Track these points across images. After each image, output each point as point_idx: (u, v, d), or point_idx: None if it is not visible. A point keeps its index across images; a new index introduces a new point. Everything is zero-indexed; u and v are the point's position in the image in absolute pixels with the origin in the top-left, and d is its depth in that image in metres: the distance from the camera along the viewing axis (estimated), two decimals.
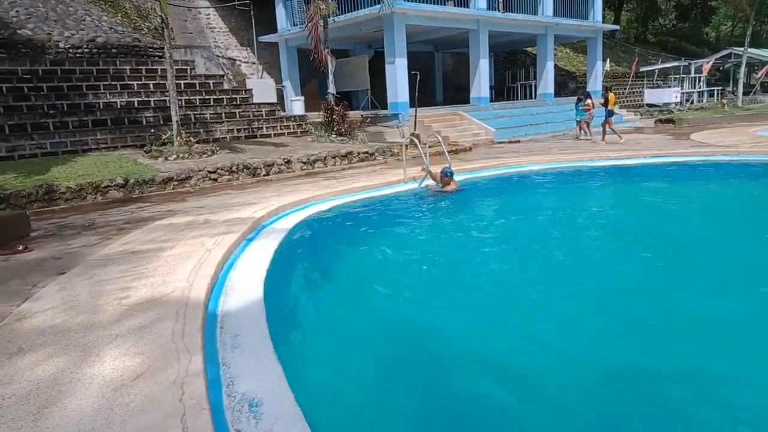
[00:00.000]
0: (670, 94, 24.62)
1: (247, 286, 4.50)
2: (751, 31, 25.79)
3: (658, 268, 5.30)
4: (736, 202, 7.96)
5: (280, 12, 20.19)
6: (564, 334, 3.91)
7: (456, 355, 3.67)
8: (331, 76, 14.14)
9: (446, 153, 9.90)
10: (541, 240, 6.48)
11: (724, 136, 13.31)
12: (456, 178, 8.81)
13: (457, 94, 24.47)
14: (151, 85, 13.80)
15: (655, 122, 19.79)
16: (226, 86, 16.40)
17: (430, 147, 10.69)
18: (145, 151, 11.35)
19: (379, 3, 15.57)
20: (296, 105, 16.31)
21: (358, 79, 20.12)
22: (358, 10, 16.78)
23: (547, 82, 21.61)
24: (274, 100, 17.00)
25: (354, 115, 15.71)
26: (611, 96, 14.82)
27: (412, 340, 3.96)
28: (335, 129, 14.17)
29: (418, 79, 14.46)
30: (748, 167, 9.75)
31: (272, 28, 20.84)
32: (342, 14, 16.66)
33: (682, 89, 25.68)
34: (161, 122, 12.70)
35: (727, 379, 3.21)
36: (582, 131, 15.78)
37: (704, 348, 3.59)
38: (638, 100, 27.30)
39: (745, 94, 26.81)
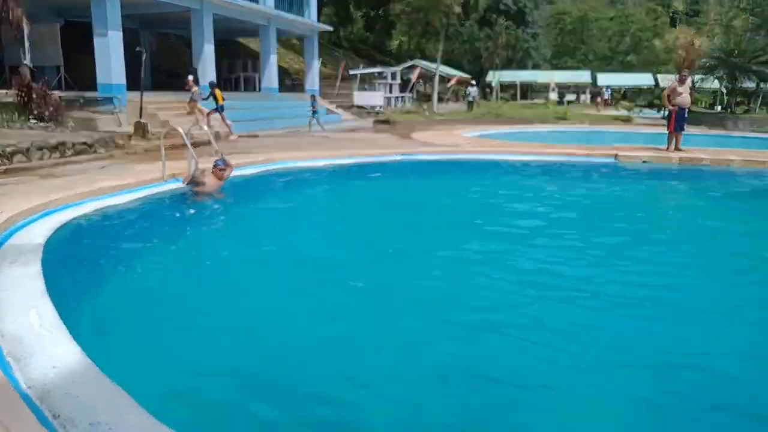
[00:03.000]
0: (376, 98, 27.46)
1: (42, 342, 2.94)
2: (442, 47, 30.86)
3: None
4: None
5: None
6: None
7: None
8: (27, 44, 10.89)
9: (190, 147, 7.82)
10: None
11: (440, 137, 15.37)
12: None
13: (169, 80, 22.15)
14: None
15: (374, 123, 21.77)
16: None
17: (165, 139, 9.13)
18: None
19: None
20: None
21: (46, 52, 16.13)
22: None
23: (271, 75, 21.42)
24: None
25: None
26: (218, 92, 14.69)
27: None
28: (35, 113, 11.04)
29: (144, 59, 12.40)
30: (486, 162, 11.46)
31: None
32: None
33: (384, 94, 28.92)
34: None
35: None
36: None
37: None
38: (347, 102, 29.59)
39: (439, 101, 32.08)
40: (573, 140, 16.21)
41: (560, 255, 5.63)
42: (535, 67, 52.64)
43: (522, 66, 50.76)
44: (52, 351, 2.84)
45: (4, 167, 8.85)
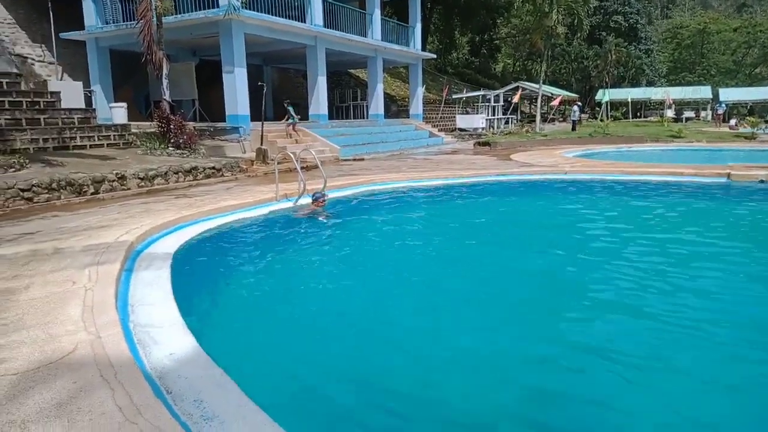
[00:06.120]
0: (478, 120, 27.56)
1: (164, 333, 3.55)
2: (545, 67, 30.43)
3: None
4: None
5: (89, 6, 17.51)
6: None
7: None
8: (165, 81, 12.59)
9: (300, 171, 8.82)
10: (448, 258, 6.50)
11: (540, 157, 15.20)
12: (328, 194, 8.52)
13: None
14: None
15: (474, 144, 21.90)
16: (23, 87, 13.53)
17: (279, 164, 10.05)
18: None
19: (216, 7, 14.46)
20: (118, 112, 14.16)
21: (183, 87, 18.37)
22: (192, 11, 15.35)
23: (378, 103, 22.41)
24: (83, 106, 14.57)
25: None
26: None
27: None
28: (172, 141, 12.64)
29: (264, 92, 13.71)
30: (583, 183, 11.19)
31: (73, 25, 17.96)
32: (172, 15, 15.05)
33: (486, 116, 28.96)
34: None
35: None
36: None
37: None
38: (450, 125, 30.00)
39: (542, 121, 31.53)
40: (685, 159, 15.09)
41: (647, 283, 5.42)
42: (650, 83, 49.65)
43: (635, 83, 48.15)
44: (171, 341, 3.41)
45: (146, 188, 10.30)
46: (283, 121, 17.27)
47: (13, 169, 9.14)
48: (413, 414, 3.16)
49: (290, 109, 16.78)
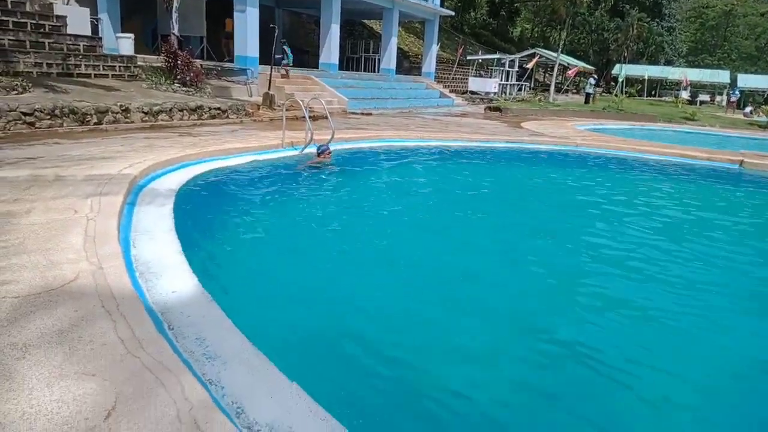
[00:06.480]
0: (491, 84, 27.01)
1: (166, 269, 3.51)
2: (566, 36, 29.60)
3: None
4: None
5: None
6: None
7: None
8: (175, 15, 12.18)
9: (308, 119, 8.59)
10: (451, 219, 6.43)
11: (551, 127, 14.96)
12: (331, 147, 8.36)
13: (298, 57, 23.45)
14: None
15: (485, 109, 21.53)
16: (28, 8, 13.08)
17: (287, 110, 9.84)
18: None
19: None
20: (124, 43, 13.72)
21: (192, 23, 17.82)
22: None
23: (390, 57, 21.89)
24: (90, 33, 14.14)
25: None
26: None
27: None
28: (178, 77, 12.35)
29: (276, 36, 13.31)
30: (594, 157, 11.04)
31: None
32: None
33: (500, 81, 28.36)
34: None
35: None
36: None
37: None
38: (461, 87, 29.41)
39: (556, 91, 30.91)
40: (697, 143, 14.89)
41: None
42: (668, 63, 48.59)
43: (653, 61, 47.09)
44: (173, 278, 3.38)
45: (150, 123, 10.12)
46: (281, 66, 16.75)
47: (16, 92, 8.92)
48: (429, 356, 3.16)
49: (286, 49, 16.38)
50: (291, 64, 16.72)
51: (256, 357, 2.56)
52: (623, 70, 36.03)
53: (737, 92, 37.31)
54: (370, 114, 16.09)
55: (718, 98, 43.34)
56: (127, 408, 1.89)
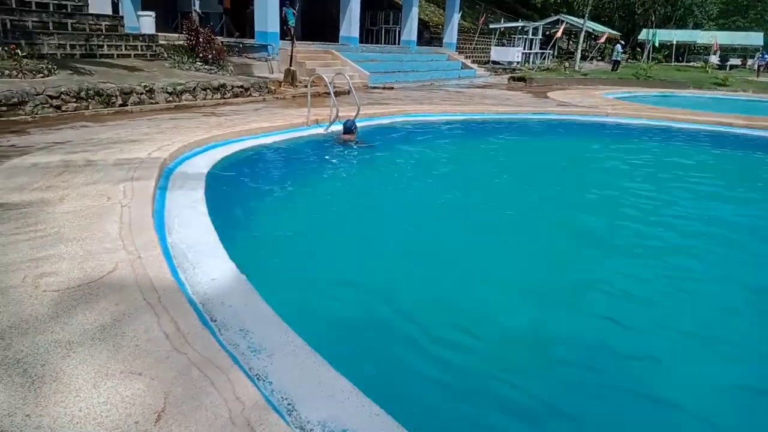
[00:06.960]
0: (514, 54, 26.29)
1: (203, 257, 3.44)
2: (591, 1, 28.52)
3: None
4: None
5: None
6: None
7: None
8: None
9: (333, 96, 8.37)
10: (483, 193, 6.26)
11: (579, 97, 14.51)
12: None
13: (318, 30, 23.06)
14: None
15: (509, 79, 21.00)
16: None
17: (307, 87, 9.65)
18: None
19: None
20: (146, 21, 13.59)
21: None
22: None
23: (411, 28, 21.39)
24: (110, 12, 14.07)
25: None
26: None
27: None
28: (200, 55, 12.23)
29: (296, 9, 13.03)
30: (626, 127, 10.68)
31: None
32: None
33: (523, 49, 27.61)
34: None
35: None
36: None
37: None
38: (483, 57, 28.71)
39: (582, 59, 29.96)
40: (731, 109, 14.31)
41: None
42: (697, 26, 46.64)
43: (681, 25, 45.26)
44: (211, 265, 3.31)
45: (174, 104, 10.06)
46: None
47: (41, 75, 8.92)
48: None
49: (289, 12, 15.97)
50: (293, 26, 16.08)
51: (302, 348, 2.48)
52: (651, 35, 34.70)
53: (765, 56, 35.72)
54: (392, 88, 15.79)
55: (749, 62, 41.56)
56: (178, 410, 1.82)
